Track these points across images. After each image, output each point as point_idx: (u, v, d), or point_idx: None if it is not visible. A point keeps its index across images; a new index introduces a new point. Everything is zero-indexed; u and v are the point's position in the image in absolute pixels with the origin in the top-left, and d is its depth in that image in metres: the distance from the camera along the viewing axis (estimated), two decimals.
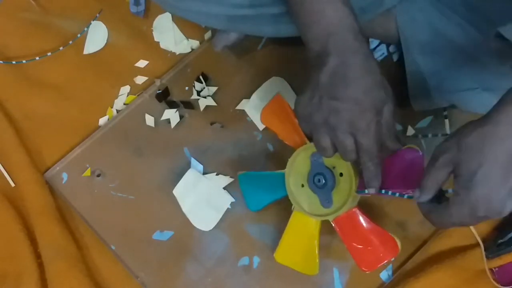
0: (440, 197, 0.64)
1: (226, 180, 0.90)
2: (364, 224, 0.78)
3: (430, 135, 0.89)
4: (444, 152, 0.60)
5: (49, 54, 0.99)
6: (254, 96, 0.94)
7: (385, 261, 0.77)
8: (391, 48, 0.96)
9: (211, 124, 0.94)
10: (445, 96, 0.84)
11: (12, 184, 0.92)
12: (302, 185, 0.80)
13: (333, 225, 0.79)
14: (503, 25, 0.67)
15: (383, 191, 0.70)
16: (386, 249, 0.77)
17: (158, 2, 0.83)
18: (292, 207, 0.82)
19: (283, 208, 0.87)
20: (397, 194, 0.70)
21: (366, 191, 0.71)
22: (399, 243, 0.77)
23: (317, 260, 0.81)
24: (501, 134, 0.56)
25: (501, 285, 0.81)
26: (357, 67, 0.65)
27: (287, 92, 0.94)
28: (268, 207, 0.87)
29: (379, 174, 0.70)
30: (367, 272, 0.78)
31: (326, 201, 0.79)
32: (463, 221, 0.60)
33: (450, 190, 0.64)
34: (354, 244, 0.78)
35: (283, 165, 0.83)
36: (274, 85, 0.94)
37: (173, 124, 0.94)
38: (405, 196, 0.69)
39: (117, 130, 0.95)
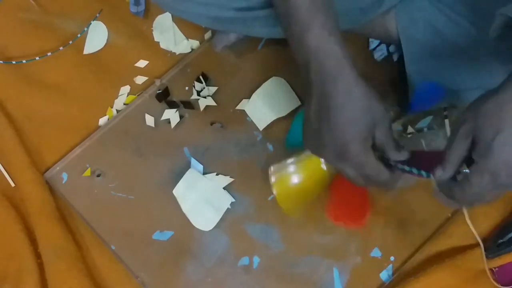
0: (455, 177, 0.62)
1: (226, 180, 0.90)
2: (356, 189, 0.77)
3: (425, 129, 0.89)
4: (463, 122, 0.59)
5: (49, 54, 0.99)
6: (254, 96, 0.94)
7: (348, 226, 0.79)
8: (391, 48, 0.96)
9: (211, 124, 0.94)
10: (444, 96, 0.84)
11: (12, 184, 0.92)
12: None
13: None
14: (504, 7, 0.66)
15: (400, 166, 0.68)
16: (356, 218, 0.78)
17: (158, 2, 0.83)
18: None
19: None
20: (414, 171, 0.66)
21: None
22: (366, 219, 0.78)
23: (302, 206, 0.81)
24: None
25: (501, 285, 0.81)
26: (338, 98, 0.63)
27: (287, 92, 0.94)
28: (270, 205, 0.87)
29: (394, 178, 0.68)
30: (328, 218, 0.79)
31: None
32: (485, 192, 0.59)
33: (465, 170, 0.62)
34: (336, 194, 0.78)
35: None
36: (274, 85, 0.95)
37: (173, 124, 0.94)
38: (424, 174, 0.66)
39: (117, 130, 0.95)
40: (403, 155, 0.68)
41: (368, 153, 0.65)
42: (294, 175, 0.81)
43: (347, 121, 0.63)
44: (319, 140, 0.65)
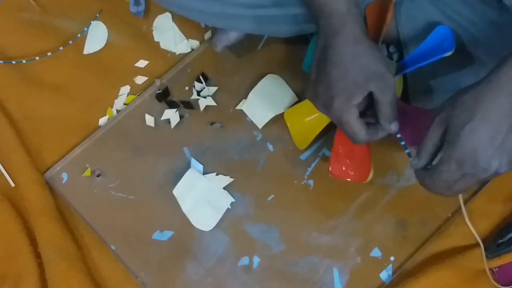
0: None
1: (226, 180, 0.90)
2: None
3: None
4: (440, 111, 0.61)
5: (49, 54, 0.99)
6: (251, 94, 0.94)
7: (349, 179, 0.81)
8: (391, 48, 0.96)
9: (211, 124, 0.94)
10: (445, 96, 0.84)
11: (12, 184, 0.92)
12: None
13: None
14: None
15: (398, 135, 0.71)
16: (358, 172, 0.81)
17: (162, 2, 0.83)
18: None
19: (285, 207, 0.87)
20: (403, 143, 0.70)
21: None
22: (370, 176, 0.81)
23: (311, 140, 0.83)
24: (492, 92, 0.57)
25: (501, 285, 0.81)
26: (335, 52, 0.65)
27: (283, 89, 0.94)
28: (270, 205, 0.87)
29: (370, 138, 0.70)
30: (330, 173, 0.81)
31: None
32: (452, 181, 0.60)
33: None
34: (340, 147, 0.80)
35: (283, 165, 0.83)
36: (269, 83, 0.95)
37: (173, 124, 0.94)
38: (407, 152, 0.70)
39: (117, 130, 0.95)
40: (393, 128, 0.69)
41: (350, 111, 0.66)
42: (305, 106, 0.84)
43: (337, 77, 0.65)
44: (314, 88, 0.68)
